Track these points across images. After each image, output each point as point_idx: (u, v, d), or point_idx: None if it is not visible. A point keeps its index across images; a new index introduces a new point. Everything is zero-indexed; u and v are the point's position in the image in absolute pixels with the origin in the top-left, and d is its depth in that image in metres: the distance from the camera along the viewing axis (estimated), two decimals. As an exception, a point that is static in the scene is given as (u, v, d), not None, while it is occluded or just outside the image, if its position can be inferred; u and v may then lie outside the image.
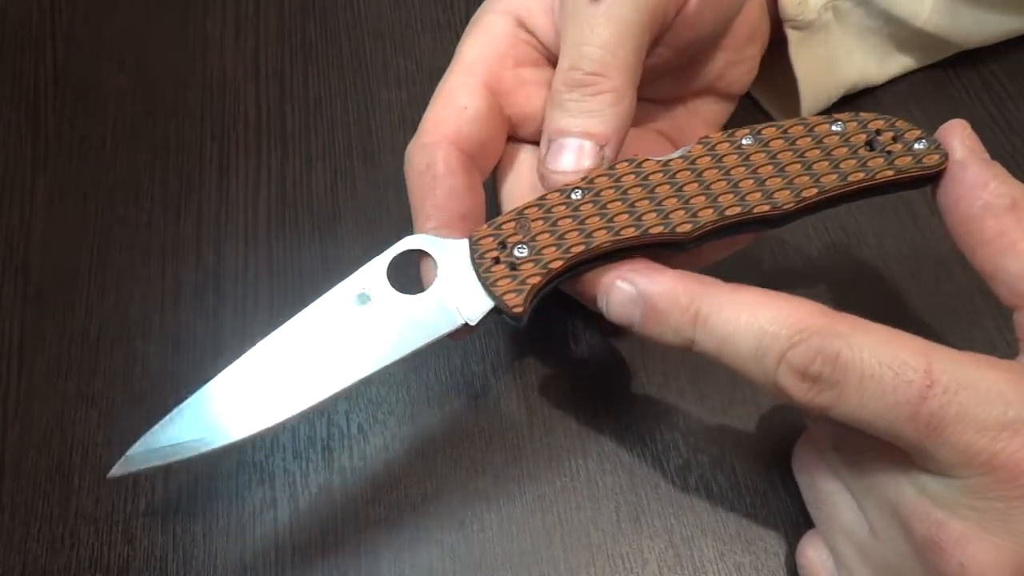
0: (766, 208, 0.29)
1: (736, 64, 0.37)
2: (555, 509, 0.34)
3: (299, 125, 0.44)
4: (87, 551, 0.34)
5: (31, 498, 0.35)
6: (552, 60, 0.34)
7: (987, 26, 0.41)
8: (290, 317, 0.31)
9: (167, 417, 0.30)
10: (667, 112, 0.38)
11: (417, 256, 0.31)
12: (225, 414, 0.30)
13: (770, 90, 0.41)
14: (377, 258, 0.31)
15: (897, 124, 0.30)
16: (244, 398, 0.30)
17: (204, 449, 0.29)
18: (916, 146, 0.30)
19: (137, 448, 0.30)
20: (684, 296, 0.28)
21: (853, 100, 0.42)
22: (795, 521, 0.33)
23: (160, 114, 0.44)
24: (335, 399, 0.30)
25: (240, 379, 0.30)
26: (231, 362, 0.30)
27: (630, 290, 0.29)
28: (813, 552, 0.31)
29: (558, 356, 0.38)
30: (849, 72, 0.41)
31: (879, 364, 0.25)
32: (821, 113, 0.41)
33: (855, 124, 0.30)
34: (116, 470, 0.29)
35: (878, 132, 0.30)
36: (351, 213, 0.41)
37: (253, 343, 0.37)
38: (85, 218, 0.41)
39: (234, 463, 0.35)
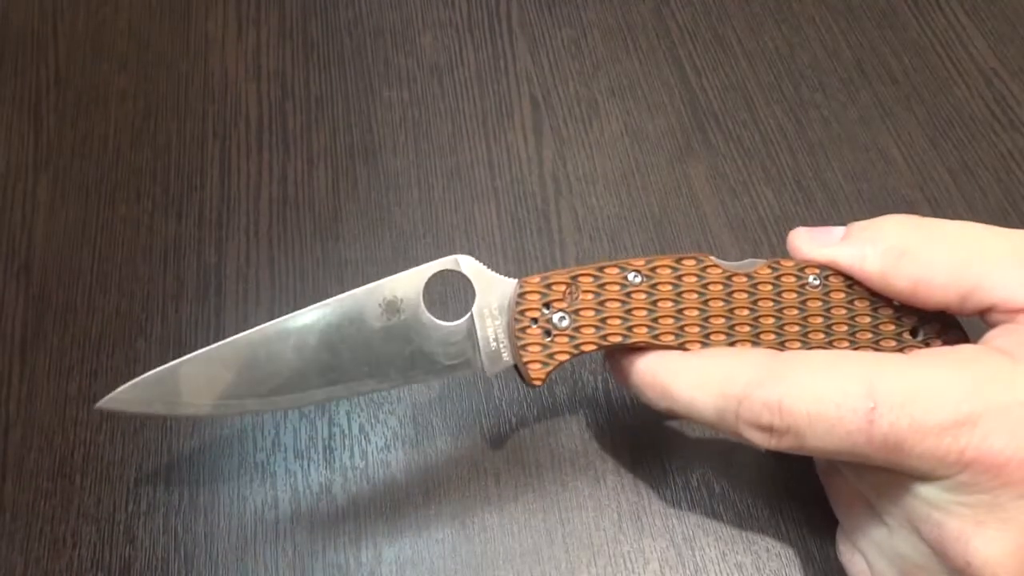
0: None
1: None
2: (556, 508, 0.34)
3: (300, 124, 0.44)
4: (89, 551, 0.34)
5: (33, 498, 0.35)
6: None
7: None
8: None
9: (166, 367, 0.30)
10: None
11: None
12: (219, 385, 0.30)
13: None
14: (417, 269, 0.31)
15: (952, 331, 0.30)
16: (242, 374, 0.30)
17: (189, 412, 0.30)
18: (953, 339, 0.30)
19: (128, 390, 0.30)
20: (648, 372, 0.29)
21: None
22: (797, 521, 0.33)
23: (161, 114, 0.44)
24: (332, 401, 0.30)
25: (244, 353, 0.30)
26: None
27: (621, 370, 0.31)
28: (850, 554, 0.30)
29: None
30: None
31: (820, 400, 0.25)
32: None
33: (915, 317, 0.30)
34: (104, 403, 0.30)
35: (928, 322, 0.30)
36: (353, 213, 0.41)
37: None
38: (87, 218, 0.41)
39: (236, 463, 0.35)
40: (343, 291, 0.39)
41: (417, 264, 0.31)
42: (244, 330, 0.38)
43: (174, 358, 0.37)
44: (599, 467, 0.35)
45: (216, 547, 0.34)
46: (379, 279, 0.31)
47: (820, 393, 0.25)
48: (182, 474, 0.35)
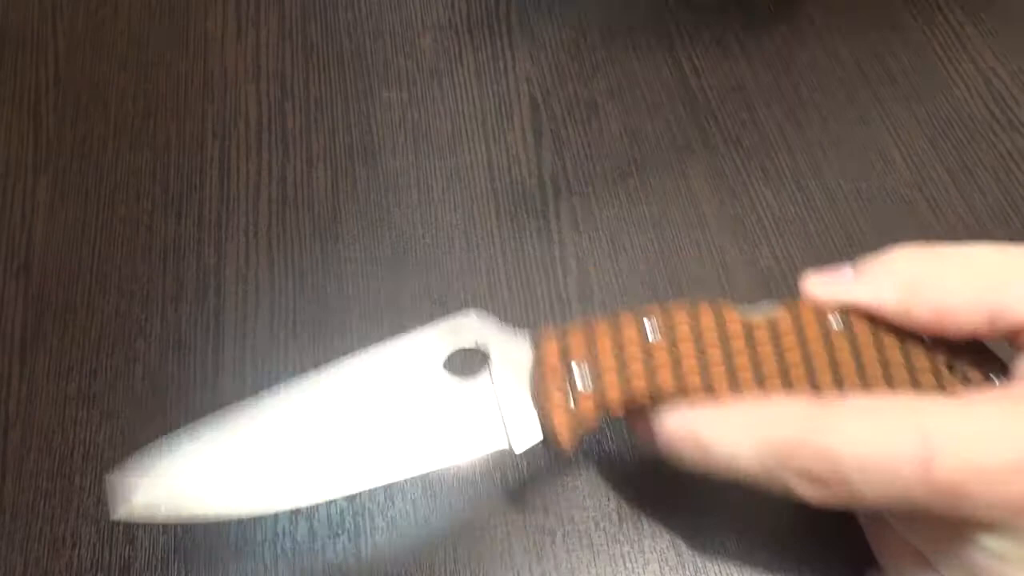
0: None
1: None
2: (557, 509, 0.34)
3: (300, 125, 0.44)
4: (89, 551, 0.34)
5: (32, 498, 0.35)
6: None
7: None
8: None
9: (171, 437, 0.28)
10: None
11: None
12: (227, 482, 0.28)
13: None
14: (429, 328, 0.29)
15: (989, 362, 0.29)
16: (236, 473, 0.28)
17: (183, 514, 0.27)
18: (995, 378, 0.28)
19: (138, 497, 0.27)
20: (682, 429, 0.27)
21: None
22: (796, 520, 0.33)
23: (161, 114, 0.44)
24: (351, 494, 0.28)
25: (240, 446, 0.28)
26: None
27: (648, 430, 0.29)
28: None
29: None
30: None
31: (873, 447, 0.24)
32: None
33: (948, 350, 0.29)
34: (120, 512, 0.28)
35: (963, 354, 0.29)
36: (352, 213, 0.41)
37: (254, 345, 0.37)
38: (86, 218, 0.41)
39: (235, 463, 0.35)
40: (342, 291, 0.39)
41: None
42: (243, 330, 0.38)
43: (174, 358, 0.38)
44: (599, 467, 0.35)
45: (216, 548, 0.34)
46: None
47: (872, 441, 0.24)
48: (182, 474, 0.35)
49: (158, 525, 0.34)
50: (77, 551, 0.34)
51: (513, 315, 0.38)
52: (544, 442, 0.29)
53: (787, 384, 0.28)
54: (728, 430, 0.27)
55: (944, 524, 0.25)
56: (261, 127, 0.44)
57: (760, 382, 0.28)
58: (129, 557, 0.34)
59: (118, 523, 0.34)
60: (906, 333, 0.29)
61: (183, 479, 0.28)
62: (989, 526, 0.24)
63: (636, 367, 0.28)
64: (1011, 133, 0.42)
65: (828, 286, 0.29)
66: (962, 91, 0.44)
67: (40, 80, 0.46)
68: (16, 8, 0.48)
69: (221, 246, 0.41)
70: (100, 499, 0.35)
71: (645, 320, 0.29)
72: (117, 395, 0.37)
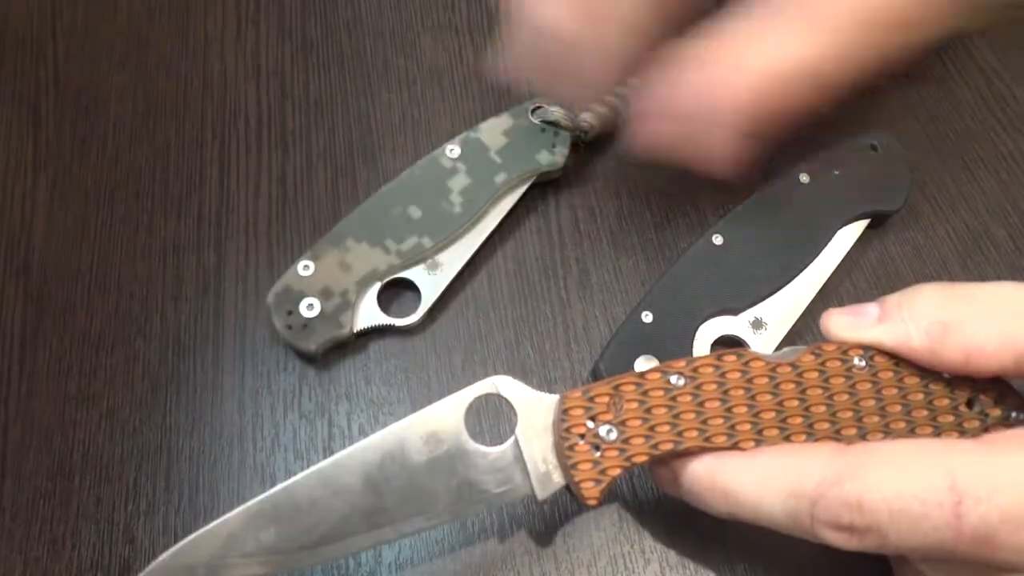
0: None
1: None
2: (556, 509, 0.34)
3: (300, 125, 0.44)
4: (88, 551, 0.34)
5: (32, 498, 0.35)
6: None
7: None
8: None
9: (205, 530, 0.29)
10: None
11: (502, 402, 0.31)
12: (264, 541, 0.29)
13: None
14: (455, 396, 0.31)
15: (1009, 398, 0.29)
16: (285, 526, 0.29)
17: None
18: (1013, 415, 0.29)
19: (168, 560, 0.29)
20: (706, 477, 0.28)
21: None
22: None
23: (161, 114, 0.44)
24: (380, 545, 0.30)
25: (285, 504, 0.29)
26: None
27: (670, 475, 0.30)
28: None
29: (562, 358, 0.38)
30: None
31: (902, 496, 0.24)
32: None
33: (968, 387, 0.29)
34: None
35: (983, 391, 0.29)
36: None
37: (254, 344, 0.37)
38: (86, 218, 0.41)
39: (235, 463, 0.35)
40: (342, 291, 0.39)
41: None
42: (243, 329, 0.38)
43: (173, 357, 0.38)
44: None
45: (215, 547, 0.34)
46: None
47: (901, 488, 0.24)
48: (181, 474, 0.35)
49: (157, 526, 0.34)
50: (76, 551, 0.34)
51: (512, 312, 0.38)
52: (568, 491, 0.30)
53: (809, 426, 0.29)
54: (753, 479, 0.27)
55: (967, 569, 0.25)
56: (261, 126, 0.44)
57: (783, 423, 0.29)
58: (128, 557, 0.34)
59: (117, 523, 0.34)
60: (929, 375, 0.29)
61: (214, 541, 0.29)
62: (1015, 569, 0.24)
63: (660, 412, 0.29)
64: (1012, 133, 0.42)
65: (852, 327, 0.29)
66: (963, 91, 0.44)
67: (40, 80, 0.46)
68: (15, 8, 0.48)
69: (221, 245, 0.40)
70: (100, 499, 0.35)
71: (670, 369, 0.29)
72: (117, 395, 0.37)
